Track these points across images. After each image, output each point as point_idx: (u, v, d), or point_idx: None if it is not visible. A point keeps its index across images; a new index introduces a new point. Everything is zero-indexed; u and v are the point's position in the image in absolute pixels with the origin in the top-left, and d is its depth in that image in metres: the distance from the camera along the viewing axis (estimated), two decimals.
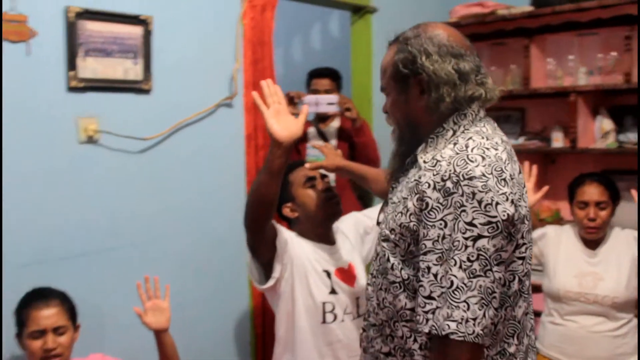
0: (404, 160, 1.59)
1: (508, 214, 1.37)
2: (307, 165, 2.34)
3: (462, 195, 1.37)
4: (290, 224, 2.38)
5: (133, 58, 2.53)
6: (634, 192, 2.64)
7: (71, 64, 2.36)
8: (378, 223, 1.68)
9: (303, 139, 3.43)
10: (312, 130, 3.46)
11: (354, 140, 3.31)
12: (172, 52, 2.63)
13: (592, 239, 2.65)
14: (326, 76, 3.44)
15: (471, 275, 1.35)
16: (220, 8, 2.80)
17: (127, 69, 2.52)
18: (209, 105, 2.76)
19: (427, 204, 1.41)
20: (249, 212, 2.10)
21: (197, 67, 2.73)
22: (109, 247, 2.48)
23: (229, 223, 2.86)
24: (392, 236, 1.51)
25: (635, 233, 2.76)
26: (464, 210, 1.37)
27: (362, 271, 2.41)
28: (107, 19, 2.45)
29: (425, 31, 1.53)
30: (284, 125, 1.98)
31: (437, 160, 1.45)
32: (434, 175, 1.42)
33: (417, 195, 1.44)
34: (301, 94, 3.29)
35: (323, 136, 3.44)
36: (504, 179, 1.41)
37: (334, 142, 3.42)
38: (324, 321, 2.26)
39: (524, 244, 1.46)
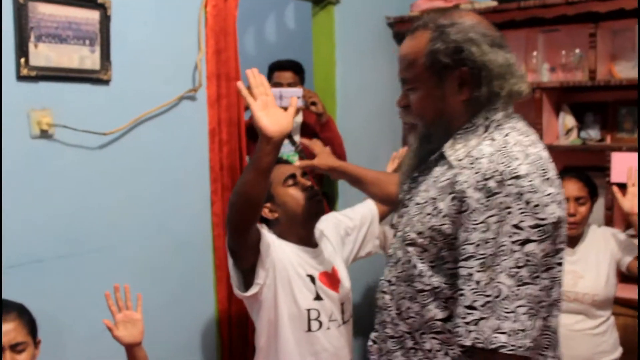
0: (425, 159, 1.49)
1: (557, 216, 1.29)
2: (297, 163, 2.17)
3: (507, 196, 1.27)
4: (269, 225, 2.22)
5: (90, 45, 2.31)
6: (616, 189, 2.61)
7: (21, 51, 2.12)
8: (393, 225, 1.56)
9: None
10: None
11: (319, 136, 3.16)
12: (132, 40, 2.42)
13: (572, 235, 2.60)
14: (289, 69, 3.29)
15: (519, 283, 1.26)
16: None
17: (84, 57, 2.29)
18: (171, 97, 2.56)
19: (467, 205, 1.31)
20: (234, 214, 1.92)
21: (158, 57, 2.52)
22: (66, 253, 2.25)
23: (192, 223, 2.67)
24: (420, 240, 1.39)
25: (612, 230, 2.73)
26: (510, 212, 1.26)
27: (345, 275, 2.28)
28: (61, 1, 2.21)
29: (461, 18, 1.41)
30: (274, 119, 1.79)
31: (475, 158, 1.35)
32: (474, 173, 1.32)
33: (452, 195, 1.34)
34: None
35: None
36: (549, 179, 1.32)
37: (297, 138, 3.27)
38: (308, 329, 2.11)
39: (562, 248, 1.37)
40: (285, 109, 3.13)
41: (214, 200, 2.74)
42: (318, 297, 2.14)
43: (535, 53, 3.52)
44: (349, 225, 2.40)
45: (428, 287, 1.39)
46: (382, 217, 2.50)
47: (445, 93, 1.41)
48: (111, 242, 2.38)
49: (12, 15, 2.08)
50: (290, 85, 3.20)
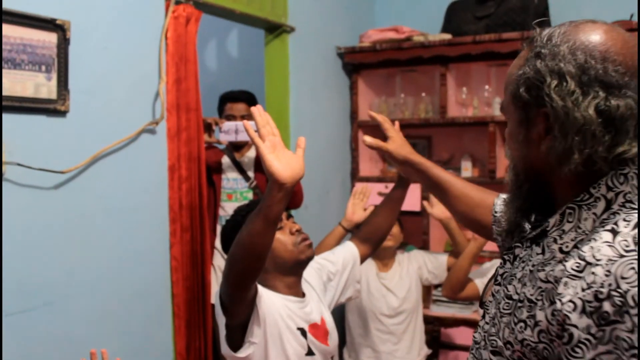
0: (522, 218, 1.11)
1: None
2: (366, 138, 1.83)
3: (631, 331, 0.87)
4: None
5: (46, 72, 2.05)
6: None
7: None
8: (481, 305, 1.18)
9: (217, 169, 3.05)
10: (226, 160, 3.09)
11: None
12: (92, 66, 2.18)
13: None
14: (242, 100, 3.10)
15: None
16: (144, 19, 2.38)
17: (39, 84, 2.04)
18: (132, 130, 2.32)
19: (570, 335, 0.92)
20: (237, 268, 1.70)
21: (119, 85, 2.29)
22: (18, 309, 1.95)
23: (151, 268, 2.43)
24: (508, 352, 1.02)
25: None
26: (633, 355, 0.87)
27: (333, 325, 2.11)
28: (15, 21, 1.96)
29: (575, 33, 0.99)
30: (285, 162, 1.58)
31: (587, 263, 0.92)
32: (582, 289, 0.91)
33: (553, 309, 0.94)
34: (218, 120, 2.93)
35: (239, 167, 3.08)
36: None
37: (250, 174, 3.08)
38: None
39: None
40: (239, 143, 2.94)
41: (173, 243, 2.51)
42: (310, 352, 1.96)
43: (487, 87, 3.51)
44: (331, 270, 2.23)
45: None
46: (364, 259, 2.35)
47: (529, 136, 1.02)
48: (66, 292, 2.10)
49: None
50: (243, 117, 3.01)
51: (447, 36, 3.43)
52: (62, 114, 2.09)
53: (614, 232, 0.93)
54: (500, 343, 1.04)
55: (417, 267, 3.06)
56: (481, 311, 1.16)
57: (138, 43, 2.36)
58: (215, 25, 3.62)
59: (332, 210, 3.54)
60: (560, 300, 0.93)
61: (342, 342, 3.19)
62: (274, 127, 1.64)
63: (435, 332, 3.37)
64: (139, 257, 2.37)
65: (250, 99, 3.12)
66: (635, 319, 0.86)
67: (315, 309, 2.06)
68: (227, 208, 2.97)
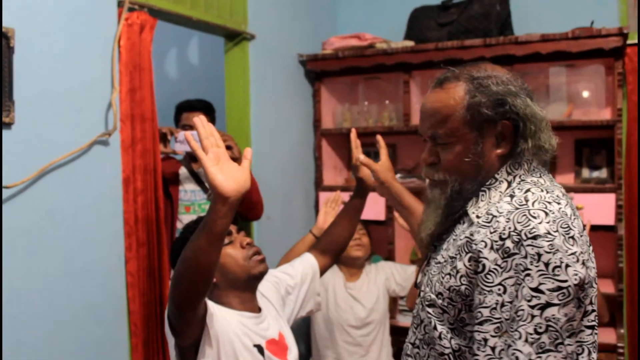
0: (450, 216, 1.42)
1: (580, 277, 1.20)
2: (360, 157, 2.16)
3: (525, 257, 1.20)
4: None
5: None
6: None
7: None
8: (416, 285, 1.48)
9: (174, 181, 2.97)
10: (183, 171, 3.01)
11: None
12: (38, 76, 2.09)
13: None
14: (199, 110, 3.02)
15: (540, 350, 1.18)
16: (95, 26, 2.29)
17: None
18: (82, 142, 2.23)
19: (483, 265, 1.25)
20: (182, 286, 1.62)
21: (68, 95, 2.19)
22: None
23: (106, 285, 2.35)
24: (440, 301, 1.33)
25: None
26: (528, 274, 1.19)
27: (292, 339, 2.04)
28: None
29: (494, 70, 1.37)
30: (229, 174, 1.51)
31: (493, 216, 1.28)
32: (490, 232, 1.26)
33: (470, 255, 1.28)
34: (174, 130, 2.84)
35: (197, 178, 3.00)
36: (572, 237, 1.23)
37: (208, 185, 3.00)
38: None
39: (593, 310, 1.28)
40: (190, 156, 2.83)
41: (129, 258, 2.42)
42: None
43: None
44: (289, 284, 2.17)
45: (448, 350, 1.32)
46: (324, 271, 2.29)
47: (484, 148, 1.34)
48: (17, 308, 2.00)
49: None
50: None
51: (410, 43, 3.40)
52: (7, 125, 2.00)
53: (512, 196, 1.31)
54: (433, 296, 1.35)
55: (385, 278, 3.01)
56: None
57: (89, 51, 2.27)
58: (174, 32, 3.53)
59: (295, 220, 3.47)
60: (475, 243, 1.27)
61: (308, 354, 3.12)
62: (218, 139, 1.58)
63: (402, 342, 3.31)
64: (91, 273, 2.28)
65: (207, 108, 3.05)
66: (528, 249, 1.20)
67: (273, 325, 1.99)
68: (185, 220, 2.88)
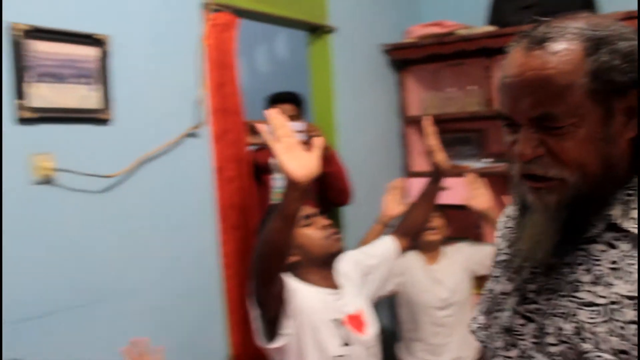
0: (571, 229, 0.99)
1: None
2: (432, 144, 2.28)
3: None
4: (289, 269, 2.09)
5: (89, 84, 2.18)
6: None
7: (19, 91, 1.99)
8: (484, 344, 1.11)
9: (266, 170, 3.15)
10: (273, 160, 3.18)
11: (323, 171, 3.05)
12: (133, 76, 2.31)
13: None
14: (289, 101, 3.19)
15: None
16: (181, 27, 2.49)
17: (84, 96, 2.17)
18: (174, 135, 2.44)
19: None
20: (260, 263, 1.81)
21: (160, 93, 2.40)
22: (73, 304, 2.09)
23: (201, 266, 2.53)
24: None
25: None
26: None
27: (372, 318, 2.15)
28: (58, 38, 2.10)
29: (615, 23, 0.96)
30: (300, 162, 1.69)
31: None
32: None
33: None
34: (256, 122, 3.02)
35: None
36: None
37: None
38: None
39: None
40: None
41: (224, 240, 2.61)
42: (346, 343, 2.02)
43: None
44: (369, 264, 2.28)
45: None
46: (404, 252, 2.39)
47: (613, 130, 0.94)
48: (118, 289, 2.23)
49: (9, 54, 1.96)
50: (291, 118, 3.09)
51: (491, 28, 3.41)
52: (106, 122, 2.22)
53: None
54: (609, 357, 0.90)
55: (464, 258, 3.05)
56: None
57: (178, 51, 2.47)
58: (263, 27, 3.72)
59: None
60: None
61: (395, 337, 3.22)
62: (290, 130, 1.72)
63: None
64: (188, 255, 2.48)
65: (296, 100, 3.21)
66: None
67: (352, 301, 2.11)
68: None
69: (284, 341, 1.92)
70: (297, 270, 2.08)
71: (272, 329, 1.95)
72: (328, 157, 3.06)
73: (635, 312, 0.89)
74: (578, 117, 0.93)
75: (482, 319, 1.15)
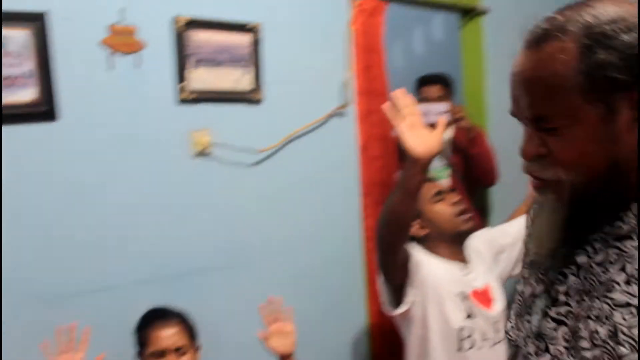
0: (583, 231, 0.97)
1: None
2: None
3: None
4: (419, 241, 2.19)
5: (243, 67, 2.43)
6: None
7: (181, 75, 2.28)
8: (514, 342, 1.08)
9: None
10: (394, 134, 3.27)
11: (468, 152, 3.09)
12: (282, 61, 2.52)
13: None
14: (437, 82, 3.25)
15: None
16: (328, 13, 2.67)
17: (237, 79, 2.42)
18: (321, 114, 2.62)
19: None
20: (384, 234, 1.93)
21: (307, 76, 2.60)
22: (224, 265, 2.36)
23: (343, 238, 2.70)
24: None
25: None
26: None
27: (500, 293, 2.18)
28: (215, 28, 2.36)
29: (613, 4, 0.90)
30: (421, 140, 1.79)
31: None
32: None
33: None
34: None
35: None
36: None
37: (446, 153, 3.21)
38: (459, 349, 2.04)
39: None
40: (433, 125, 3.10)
41: (367, 215, 2.76)
42: (470, 315, 2.07)
43: None
44: (503, 242, 2.30)
45: None
46: None
47: (617, 127, 0.89)
48: (265, 255, 2.46)
49: (172, 43, 2.24)
50: (439, 98, 3.16)
51: None
52: (257, 102, 2.46)
53: None
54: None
55: None
56: (532, 347, 1.02)
57: (325, 36, 2.65)
58: (415, 13, 3.80)
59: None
60: None
61: None
62: (415, 109, 1.83)
63: None
64: (331, 227, 2.66)
65: (444, 81, 3.26)
66: None
67: (481, 277, 2.16)
68: None
69: (406, 307, 2.02)
70: (427, 243, 2.16)
71: (396, 296, 2.05)
72: (474, 138, 3.09)
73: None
74: (573, 117, 0.90)
75: (514, 320, 1.13)
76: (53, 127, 2.03)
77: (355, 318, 2.75)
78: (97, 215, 2.11)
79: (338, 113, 2.68)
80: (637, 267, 0.88)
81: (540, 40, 0.92)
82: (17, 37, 1.98)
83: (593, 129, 0.89)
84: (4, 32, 1.95)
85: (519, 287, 1.12)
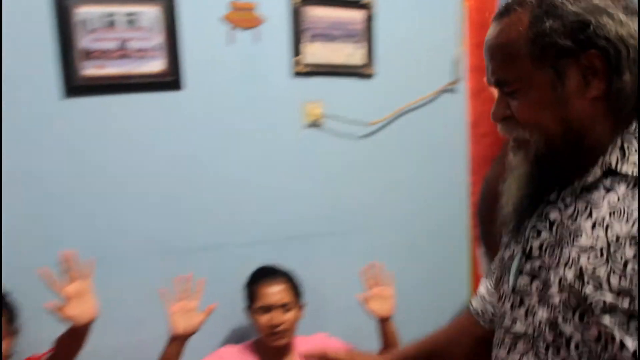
0: (548, 186, 1.06)
1: None
2: None
3: None
4: None
5: (356, 42, 2.51)
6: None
7: (296, 50, 2.39)
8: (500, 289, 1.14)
9: None
10: None
11: None
12: (394, 36, 2.57)
13: None
14: None
15: None
16: None
17: (350, 53, 2.50)
18: (430, 90, 2.66)
19: None
20: (481, 205, 1.98)
21: (419, 51, 2.64)
22: (329, 231, 2.48)
23: (448, 212, 2.73)
24: (626, 302, 0.90)
25: None
26: None
27: None
28: (330, 4, 2.45)
29: None
30: None
31: None
32: None
33: None
34: None
35: None
36: None
37: None
38: None
39: None
40: None
41: (474, 192, 2.77)
42: None
43: None
44: None
45: None
46: None
47: (566, 91, 0.97)
48: (369, 224, 2.55)
49: (288, 19, 2.36)
50: None
51: None
52: (369, 76, 2.53)
53: None
54: (609, 299, 0.91)
55: None
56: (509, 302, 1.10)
57: (437, 12, 2.67)
58: None
59: None
60: None
61: None
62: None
63: None
64: (436, 202, 2.70)
65: None
66: None
67: None
68: None
69: None
70: None
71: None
72: None
73: (635, 250, 0.89)
74: (526, 82, 0.99)
75: (483, 291, 1.31)
76: (178, 95, 2.22)
77: (456, 289, 2.78)
78: (213, 178, 2.28)
79: (449, 89, 2.71)
80: (602, 214, 0.95)
81: (503, 13, 1.02)
82: (149, 13, 2.17)
83: (544, 92, 0.98)
84: (136, 8, 2.14)
85: (499, 255, 1.21)
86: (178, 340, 1.91)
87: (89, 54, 2.10)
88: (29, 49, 2.03)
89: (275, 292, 2.09)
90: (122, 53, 2.14)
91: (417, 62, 2.64)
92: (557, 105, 0.98)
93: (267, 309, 2.07)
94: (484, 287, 1.36)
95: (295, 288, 2.15)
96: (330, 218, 2.48)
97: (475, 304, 1.37)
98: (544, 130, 0.99)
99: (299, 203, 2.42)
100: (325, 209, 2.47)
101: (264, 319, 2.07)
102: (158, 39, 2.18)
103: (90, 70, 2.11)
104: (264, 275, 2.15)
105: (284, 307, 2.08)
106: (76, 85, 2.10)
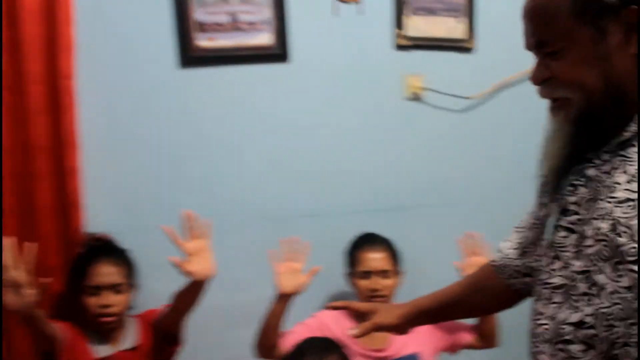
0: (591, 145, 1.05)
1: None
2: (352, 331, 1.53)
3: None
4: None
5: (457, 17, 2.53)
6: None
7: (398, 23, 2.43)
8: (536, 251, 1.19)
9: None
10: None
11: None
12: (495, 11, 2.57)
13: None
14: None
15: None
16: None
17: (451, 27, 2.52)
18: (531, 65, 2.63)
19: None
20: None
21: (519, 26, 2.61)
22: (425, 203, 2.52)
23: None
24: None
25: None
26: None
27: None
28: None
29: None
30: None
31: None
32: None
33: None
34: None
35: None
36: None
37: None
38: None
39: None
40: None
41: None
42: None
43: None
44: None
45: None
46: None
47: (607, 48, 0.98)
48: (467, 197, 2.57)
49: None
50: None
51: None
52: (469, 50, 2.55)
53: None
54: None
55: None
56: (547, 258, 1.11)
57: None
58: None
59: None
60: None
61: None
62: None
63: None
64: (534, 176, 2.68)
65: None
66: None
67: None
68: None
69: None
70: None
71: None
72: None
73: None
74: (568, 40, 1.00)
75: (507, 248, 1.36)
76: (285, 67, 2.30)
77: None
78: (316, 148, 2.37)
79: None
80: (637, 168, 0.96)
81: None
82: None
83: (586, 49, 0.99)
84: None
85: (535, 214, 1.26)
86: (283, 299, 2.00)
87: (203, 27, 2.21)
88: (148, 22, 2.16)
89: (376, 258, 2.15)
90: (234, 26, 2.24)
91: (517, 38, 2.58)
92: (599, 62, 0.99)
93: (368, 274, 2.14)
94: (510, 243, 1.39)
95: (394, 256, 2.21)
96: (427, 190, 2.52)
97: (497, 258, 1.39)
98: (586, 87, 1.00)
99: (396, 174, 2.47)
100: (422, 181, 2.51)
101: (364, 283, 2.14)
102: (267, 12, 2.27)
103: (204, 42, 2.22)
104: (365, 241, 2.22)
105: (384, 273, 2.14)
106: (191, 56, 2.22)
